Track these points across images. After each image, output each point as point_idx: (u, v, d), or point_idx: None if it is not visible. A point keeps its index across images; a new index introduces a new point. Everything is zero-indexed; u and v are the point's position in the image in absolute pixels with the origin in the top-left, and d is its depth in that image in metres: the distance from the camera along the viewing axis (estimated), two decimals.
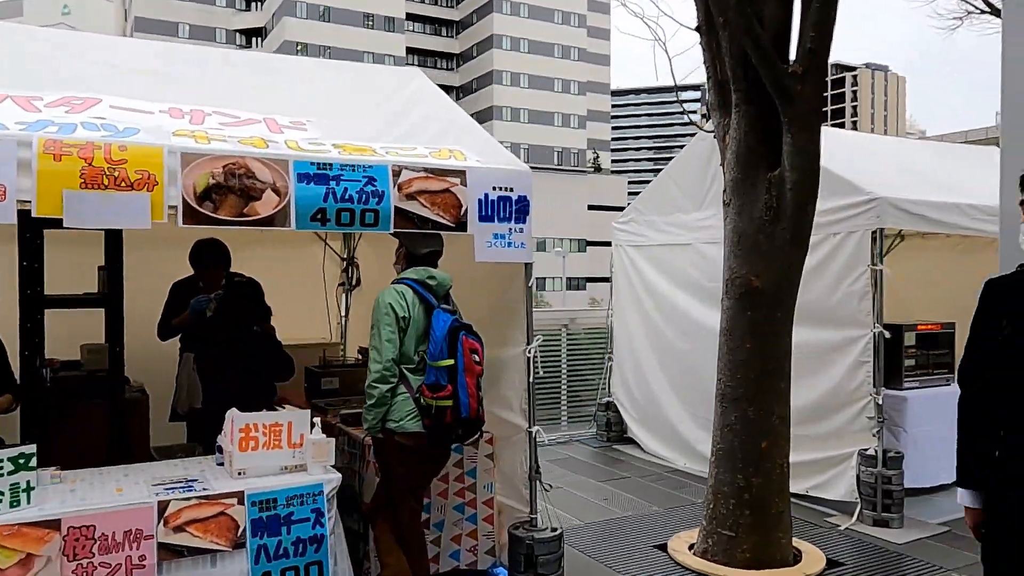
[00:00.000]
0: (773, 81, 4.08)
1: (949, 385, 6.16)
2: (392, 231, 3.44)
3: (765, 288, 4.25)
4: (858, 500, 5.16)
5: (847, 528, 5.06)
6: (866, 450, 5.14)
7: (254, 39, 75.92)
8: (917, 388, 5.88)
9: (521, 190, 3.84)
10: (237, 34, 76.26)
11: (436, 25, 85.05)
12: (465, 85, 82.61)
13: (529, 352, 3.85)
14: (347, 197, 3.32)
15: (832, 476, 5.38)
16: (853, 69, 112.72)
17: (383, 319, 3.52)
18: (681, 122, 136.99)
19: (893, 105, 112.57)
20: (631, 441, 7.33)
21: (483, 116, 78.17)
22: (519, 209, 3.83)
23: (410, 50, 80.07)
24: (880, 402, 5.13)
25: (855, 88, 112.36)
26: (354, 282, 6.14)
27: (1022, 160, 3.34)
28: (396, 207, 3.43)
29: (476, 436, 3.68)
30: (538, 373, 3.90)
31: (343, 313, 6.33)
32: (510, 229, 3.81)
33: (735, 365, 4.35)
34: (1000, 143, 3.71)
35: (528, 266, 3.92)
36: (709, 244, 6.33)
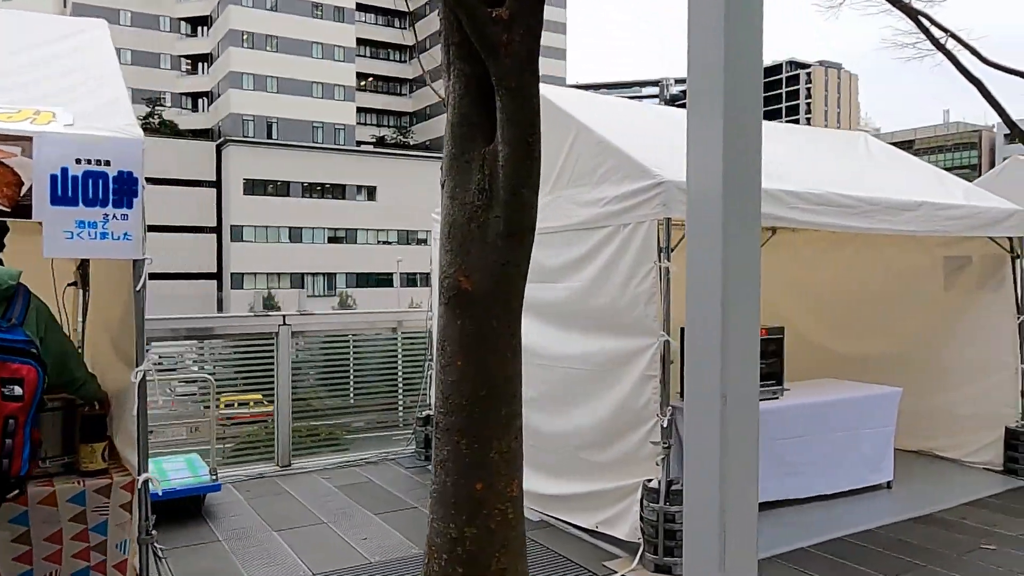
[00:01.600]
0: (474, 29, 3.22)
1: (777, 398, 5.41)
2: None
3: (477, 291, 3.39)
4: (640, 540, 4.37)
5: None
6: (650, 481, 4.35)
7: (199, 28, 73.68)
8: None
9: (125, 164, 2.93)
10: (181, 22, 73.96)
11: (389, 16, 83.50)
12: (419, 77, 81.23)
13: (135, 377, 2.95)
14: None
15: (620, 510, 4.58)
16: (807, 66, 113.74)
17: None
18: None
19: (845, 102, 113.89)
20: None
21: (436, 108, 77.03)
22: (121, 189, 2.92)
23: (361, 41, 78.53)
24: (666, 424, 4.34)
25: (809, 85, 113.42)
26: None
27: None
28: None
29: (15, 494, 2.77)
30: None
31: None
32: (105, 215, 2.90)
33: (446, 387, 3.49)
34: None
35: (138, 263, 3.01)
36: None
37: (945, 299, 6.80)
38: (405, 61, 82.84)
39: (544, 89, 5.67)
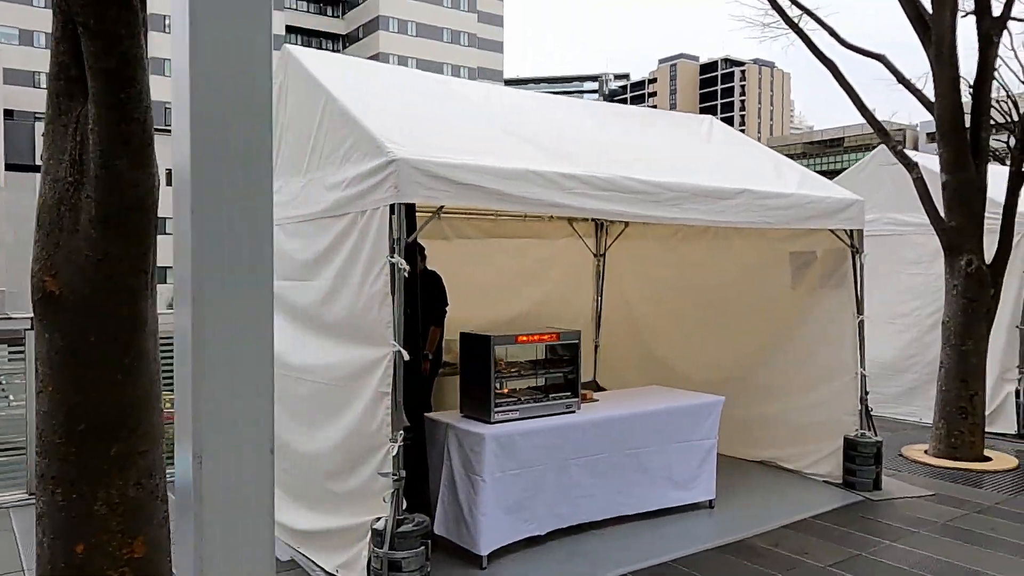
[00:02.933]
0: None
1: (572, 412, 4.76)
2: None
3: (67, 294, 2.60)
4: None
5: None
6: (377, 521, 3.62)
7: None
8: (515, 420, 4.44)
9: None
10: None
11: (321, 4, 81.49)
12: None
13: None
14: None
15: (355, 553, 3.84)
16: (742, 64, 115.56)
17: None
18: None
19: (778, 100, 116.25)
20: None
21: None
22: None
23: (292, 29, 76.36)
24: (396, 452, 3.61)
25: (743, 83, 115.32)
26: None
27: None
28: None
29: None
30: None
31: None
32: None
33: (40, 420, 2.70)
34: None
35: None
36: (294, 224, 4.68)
37: (792, 298, 6.27)
38: (338, 51, 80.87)
39: (298, 51, 4.87)
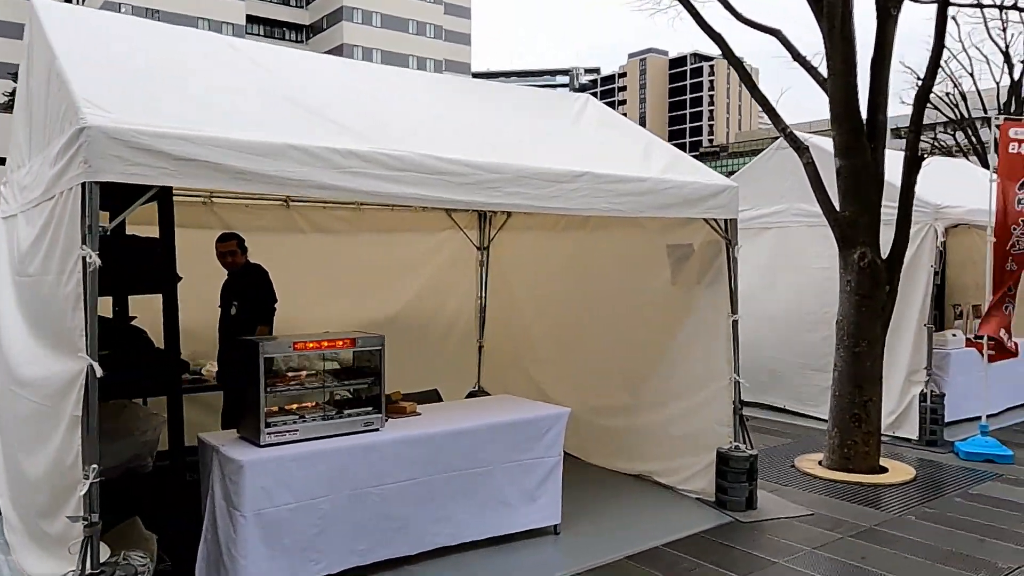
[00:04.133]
0: None
1: (376, 430, 4.08)
2: None
3: None
4: None
5: None
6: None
7: None
8: (293, 441, 3.75)
9: None
10: None
11: None
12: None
13: None
14: None
15: None
16: (711, 59, 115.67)
17: None
18: None
19: (747, 95, 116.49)
20: None
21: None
22: None
23: (253, 19, 74.83)
24: (85, 491, 2.91)
25: (712, 78, 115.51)
26: None
27: None
28: None
29: None
30: None
31: None
32: None
33: None
34: None
35: None
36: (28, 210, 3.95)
37: (671, 295, 5.66)
38: (302, 41, 79.46)
39: (41, 4, 4.15)
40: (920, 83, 6.08)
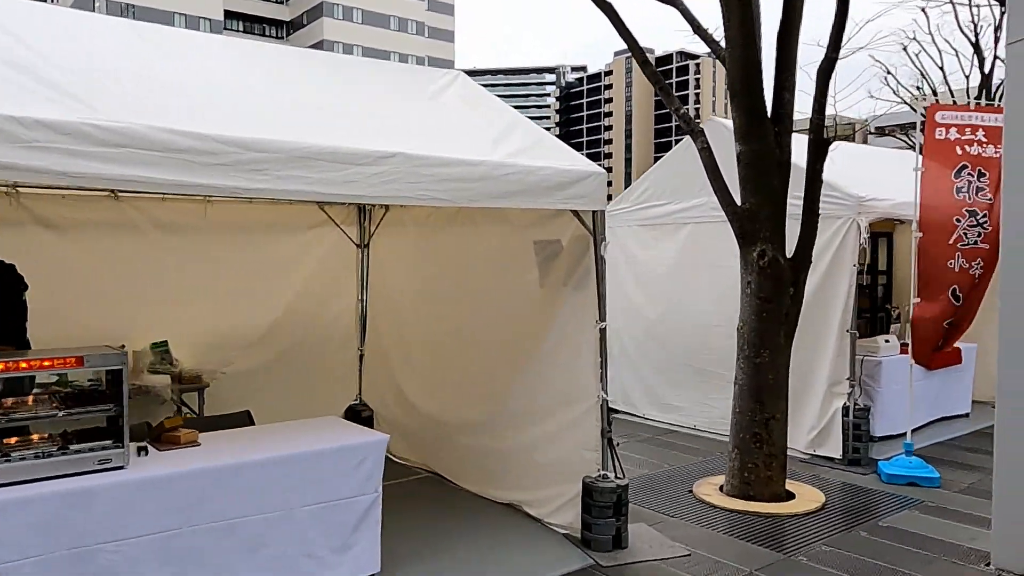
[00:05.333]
0: None
1: (119, 469, 3.31)
2: None
3: None
4: None
5: None
6: None
7: None
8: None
9: None
10: None
11: None
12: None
13: None
14: None
15: None
16: (696, 58, 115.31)
17: None
18: (539, 104, 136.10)
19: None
20: None
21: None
22: None
23: (232, 14, 73.87)
24: None
25: (698, 76, 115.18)
26: None
27: None
28: None
29: None
30: None
31: None
32: None
33: None
34: None
35: None
36: None
37: (537, 300, 4.94)
38: (282, 38, 78.53)
39: None
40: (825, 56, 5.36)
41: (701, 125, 5.53)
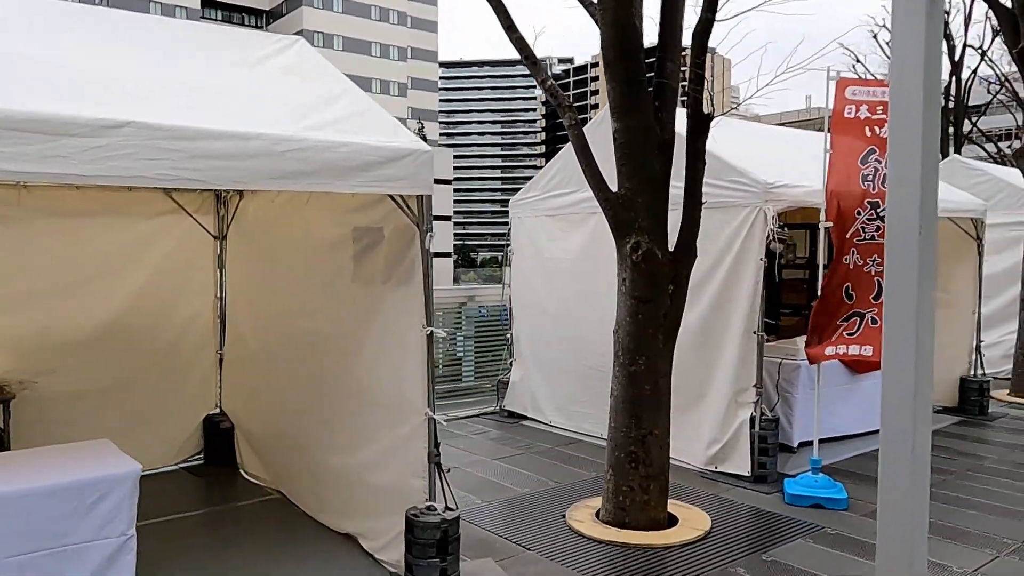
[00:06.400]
0: None
1: None
2: None
3: None
4: None
5: None
6: None
7: None
8: None
9: None
10: None
11: None
12: None
13: None
14: None
15: None
16: (683, 50, 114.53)
17: None
18: (525, 96, 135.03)
19: (718, 85, 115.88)
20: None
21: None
22: None
23: (209, 2, 72.74)
24: None
25: (684, 68, 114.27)
26: None
27: None
28: None
29: None
30: None
31: None
32: None
33: None
34: None
35: None
36: None
37: (359, 298, 4.26)
38: (261, 27, 77.42)
39: None
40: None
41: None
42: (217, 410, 6.03)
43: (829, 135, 5.29)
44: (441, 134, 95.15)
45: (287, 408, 4.96)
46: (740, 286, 5.56)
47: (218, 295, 5.99)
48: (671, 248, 4.63)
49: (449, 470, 3.92)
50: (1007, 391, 8.80)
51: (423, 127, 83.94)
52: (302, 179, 3.41)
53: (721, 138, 5.97)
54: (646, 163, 4.53)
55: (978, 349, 7.90)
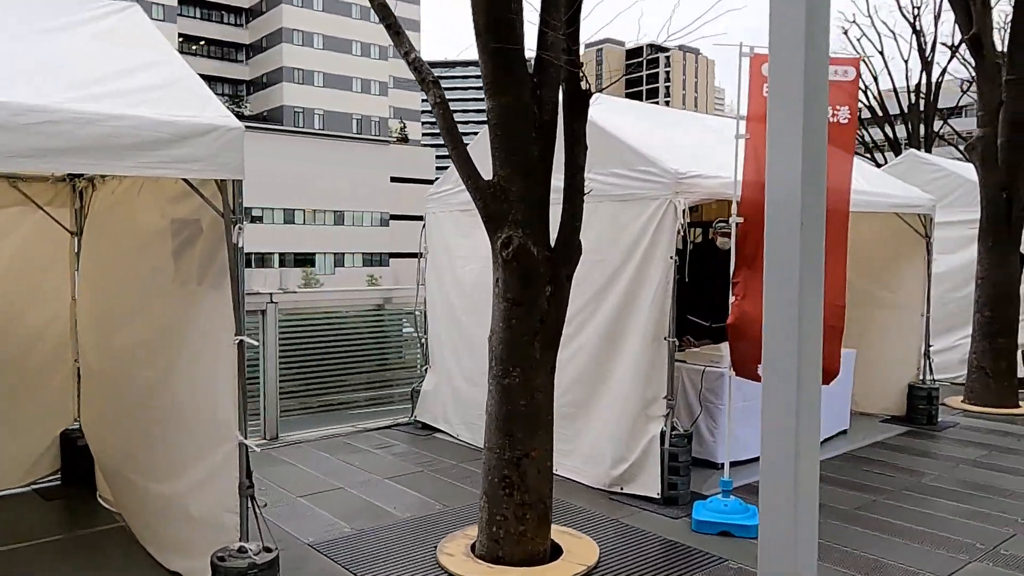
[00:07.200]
0: None
1: None
2: None
3: None
4: None
5: None
6: None
7: None
8: None
9: None
10: None
11: None
12: (256, 44, 75.33)
13: None
14: None
15: None
16: (667, 51, 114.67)
17: None
18: None
19: (703, 86, 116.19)
20: None
21: (273, 77, 71.56)
22: None
23: (188, 0, 72.10)
24: None
25: (668, 68, 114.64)
26: None
27: None
28: None
29: None
30: None
31: None
32: None
33: None
34: None
35: None
36: None
37: (174, 300, 3.68)
38: (241, 25, 76.57)
39: None
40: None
41: None
42: (76, 424, 5.43)
43: (743, 120, 4.76)
44: (424, 134, 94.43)
45: (118, 426, 4.37)
46: (648, 288, 5.01)
47: (75, 297, 5.39)
48: (553, 244, 4.07)
49: (265, 504, 3.34)
50: (962, 398, 8.32)
51: (405, 126, 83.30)
52: (58, 158, 2.83)
53: (632, 124, 5.44)
54: (521, 147, 3.97)
55: (927, 354, 7.40)
